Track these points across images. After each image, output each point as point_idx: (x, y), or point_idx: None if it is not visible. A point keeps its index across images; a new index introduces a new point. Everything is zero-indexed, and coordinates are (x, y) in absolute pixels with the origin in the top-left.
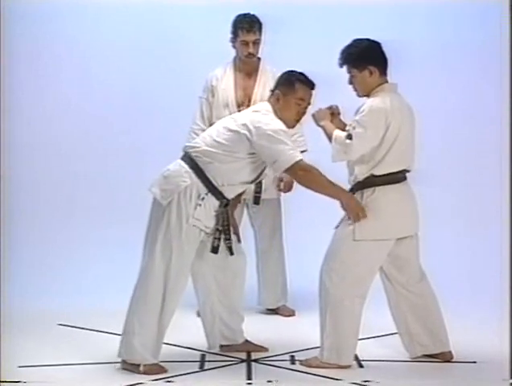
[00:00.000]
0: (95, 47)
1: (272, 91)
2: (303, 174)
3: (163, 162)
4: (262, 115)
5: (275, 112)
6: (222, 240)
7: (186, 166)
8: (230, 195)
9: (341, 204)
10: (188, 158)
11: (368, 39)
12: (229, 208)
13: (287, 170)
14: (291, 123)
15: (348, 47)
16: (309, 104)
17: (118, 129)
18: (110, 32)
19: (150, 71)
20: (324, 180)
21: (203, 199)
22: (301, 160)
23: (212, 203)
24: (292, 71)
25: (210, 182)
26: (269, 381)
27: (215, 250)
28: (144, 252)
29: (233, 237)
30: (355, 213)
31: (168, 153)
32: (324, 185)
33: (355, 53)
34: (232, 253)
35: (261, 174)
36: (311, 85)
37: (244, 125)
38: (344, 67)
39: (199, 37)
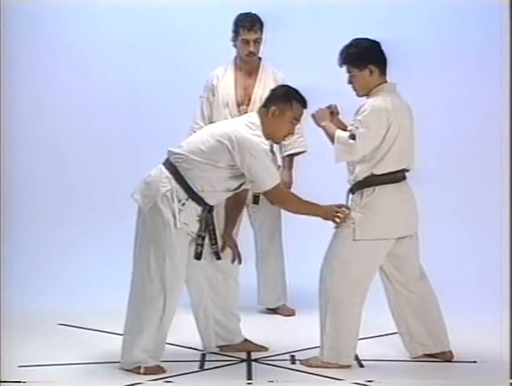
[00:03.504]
0: (95, 47)
1: (265, 104)
2: (280, 200)
3: (161, 159)
4: (248, 129)
5: (263, 126)
6: (208, 245)
7: (166, 172)
8: (212, 201)
9: (322, 218)
10: (169, 164)
11: (367, 39)
12: (213, 213)
13: (264, 193)
14: (280, 140)
15: (348, 46)
16: (299, 121)
17: (118, 129)
18: (110, 32)
19: (151, 71)
20: (299, 203)
21: (183, 204)
22: (278, 184)
23: (194, 208)
24: (288, 87)
25: (190, 188)
26: (270, 381)
27: (198, 256)
28: (135, 258)
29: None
30: (334, 218)
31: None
32: (300, 207)
33: (355, 52)
34: (218, 258)
35: (244, 182)
36: (305, 105)
37: (228, 136)
38: (344, 67)
39: (199, 37)
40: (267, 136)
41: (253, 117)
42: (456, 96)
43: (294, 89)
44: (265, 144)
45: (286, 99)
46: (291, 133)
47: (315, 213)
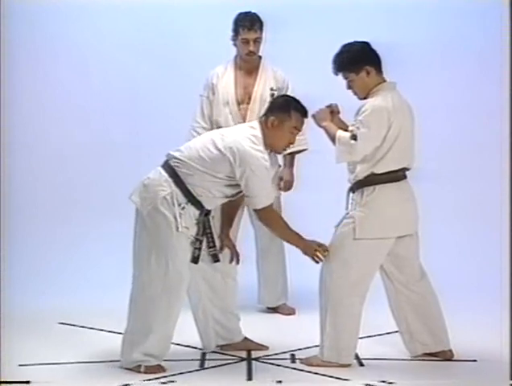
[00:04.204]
0: (95, 47)
1: (265, 114)
2: (267, 220)
3: (162, 159)
4: (251, 144)
5: (264, 136)
6: (205, 248)
7: (166, 175)
8: (210, 205)
9: (301, 251)
10: (168, 167)
11: (356, 41)
12: (210, 217)
13: (255, 210)
14: (280, 150)
15: (339, 54)
16: (300, 131)
17: (118, 129)
18: (110, 32)
19: (151, 71)
20: (284, 229)
21: (183, 208)
22: (270, 205)
23: (193, 211)
24: (287, 96)
25: (189, 192)
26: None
27: (195, 260)
28: (135, 261)
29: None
30: (312, 255)
31: (167, 150)
32: (283, 233)
33: (347, 57)
34: (216, 260)
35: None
36: (306, 114)
37: (231, 149)
38: (340, 75)
39: (199, 37)
40: (268, 146)
41: (256, 128)
42: (456, 97)
43: (293, 99)
44: (266, 160)
45: (285, 109)
46: (292, 142)
47: (296, 244)
